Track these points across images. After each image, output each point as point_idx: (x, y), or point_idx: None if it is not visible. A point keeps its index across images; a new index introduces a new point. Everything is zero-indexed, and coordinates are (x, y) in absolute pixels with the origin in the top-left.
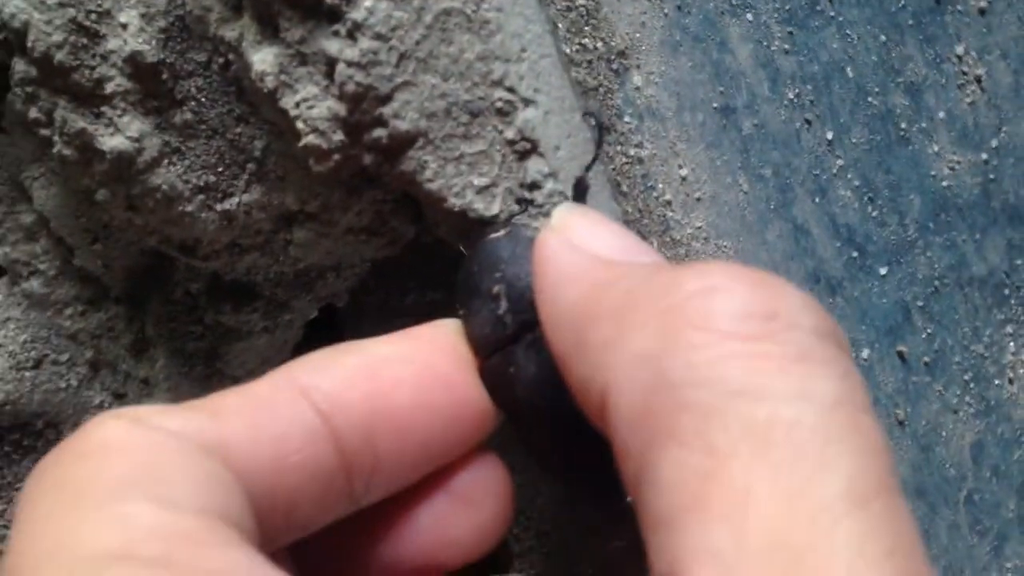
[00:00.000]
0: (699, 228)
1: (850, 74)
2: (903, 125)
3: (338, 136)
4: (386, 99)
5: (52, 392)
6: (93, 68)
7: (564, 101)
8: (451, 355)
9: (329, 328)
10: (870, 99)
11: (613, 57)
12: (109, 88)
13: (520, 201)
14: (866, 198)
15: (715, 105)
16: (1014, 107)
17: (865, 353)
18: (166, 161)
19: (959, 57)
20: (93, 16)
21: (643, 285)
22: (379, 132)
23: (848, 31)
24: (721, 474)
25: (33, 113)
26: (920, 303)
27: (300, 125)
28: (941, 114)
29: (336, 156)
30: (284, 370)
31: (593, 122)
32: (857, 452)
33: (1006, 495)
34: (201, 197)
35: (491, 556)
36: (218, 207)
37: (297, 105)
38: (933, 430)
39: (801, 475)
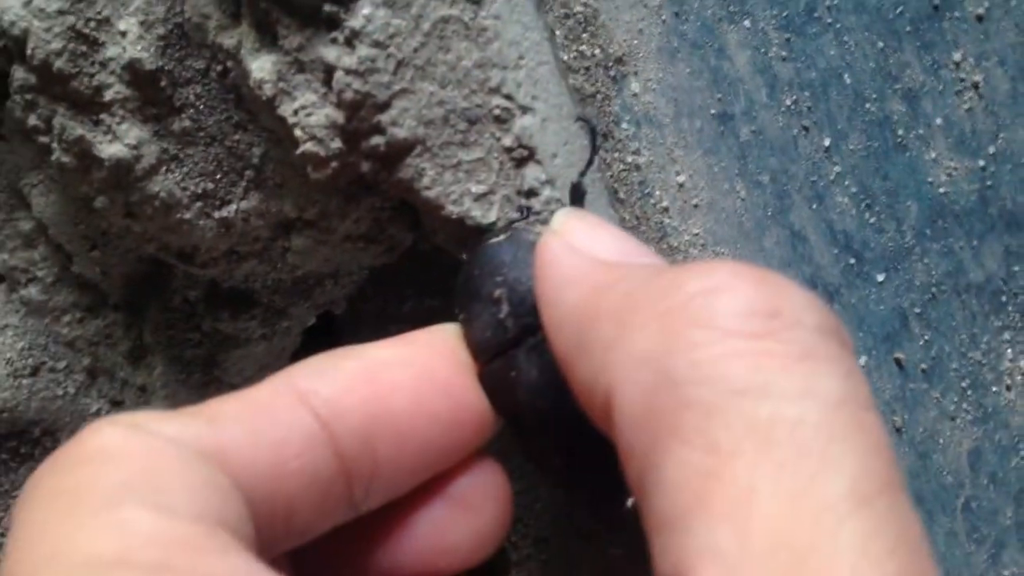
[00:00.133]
0: (697, 235)
1: (847, 81)
2: (900, 132)
3: (336, 143)
4: (384, 106)
5: (49, 399)
6: (92, 75)
7: (562, 108)
8: (450, 360)
9: (327, 335)
10: (867, 106)
11: (611, 64)
12: (108, 95)
13: (520, 209)
14: (863, 205)
15: (713, 112)
16: (1011, 114)
17: (862, 360)
18: (164, 168)
19: (956, 64)
20: (92, 24)
21: (644, 286)
22: (377, 139)
23: (845, 38)
24: (724, 473)
25: (32, 120)
26: (917, 310)
27: (298, 132)
28: (938, 121)
29: (334, 163)
30: (283, 375)
31: (588, 128)
32: (861, 450)
33: (1004, 502)
34: (199, 204)
35: (489, 562)
36: (216, 214)
37: (295, 112)
38: (930, 437)
39: (805, 473)
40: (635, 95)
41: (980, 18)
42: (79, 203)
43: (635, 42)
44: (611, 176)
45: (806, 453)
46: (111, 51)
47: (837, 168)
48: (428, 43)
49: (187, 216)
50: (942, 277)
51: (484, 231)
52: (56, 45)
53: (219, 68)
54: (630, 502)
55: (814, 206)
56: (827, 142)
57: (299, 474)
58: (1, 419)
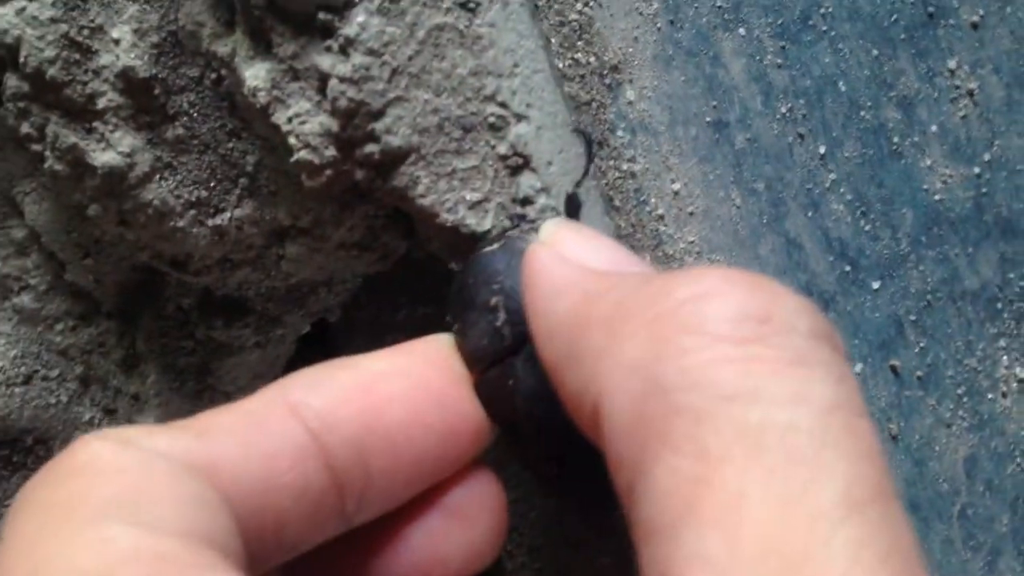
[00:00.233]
0: (692, 242)
1: (842, 88)
2: (895, 139)
3: (330, 151)
4: (378, 114)
5: (42, 408)
6: (85, 83)
7: (557, 116)
8: (445, 370)
9: (321, 343)
10: (862, 113)
11: (606, 72)
12: (101, 103)
13: (512, 217)
14: (858, 212)
15: (708, 119)
16: (1007, 121)
17: (858, 367)
18: (158, 176)
19: (951, 71)
20: (85, 31)
21: (634, 293)
22: (371, 147)
23: (840, 45)
24: (714, 479)
25: (25, 128)
26: (913, 317)
27: (292, 140)
28: (934, 128)
29: (328, 171)
30: (275, 387)
31: (583, 138)
32: (854, 456)
33: (1000, 510)
34: (193, 212)
35: (485, 573)
36: (210, 222)
37: (289, 120)
38: (926, 444)
39: (796, 480)
40: (630, 103)
41: (975, 25)
42: (72, 211)
43: (630, 50)
44: (606, 184)
45: (797, 459)
46: (104, 59)
47: (832, 175)
48: (423, 51)
49: (181, 224)
50: (937, 284)
51: (479, 239)
52: (49, 53)
53: (213, 76)
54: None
55: (809, 213)
56: (822, 149)
57: (290, 487)
58: None
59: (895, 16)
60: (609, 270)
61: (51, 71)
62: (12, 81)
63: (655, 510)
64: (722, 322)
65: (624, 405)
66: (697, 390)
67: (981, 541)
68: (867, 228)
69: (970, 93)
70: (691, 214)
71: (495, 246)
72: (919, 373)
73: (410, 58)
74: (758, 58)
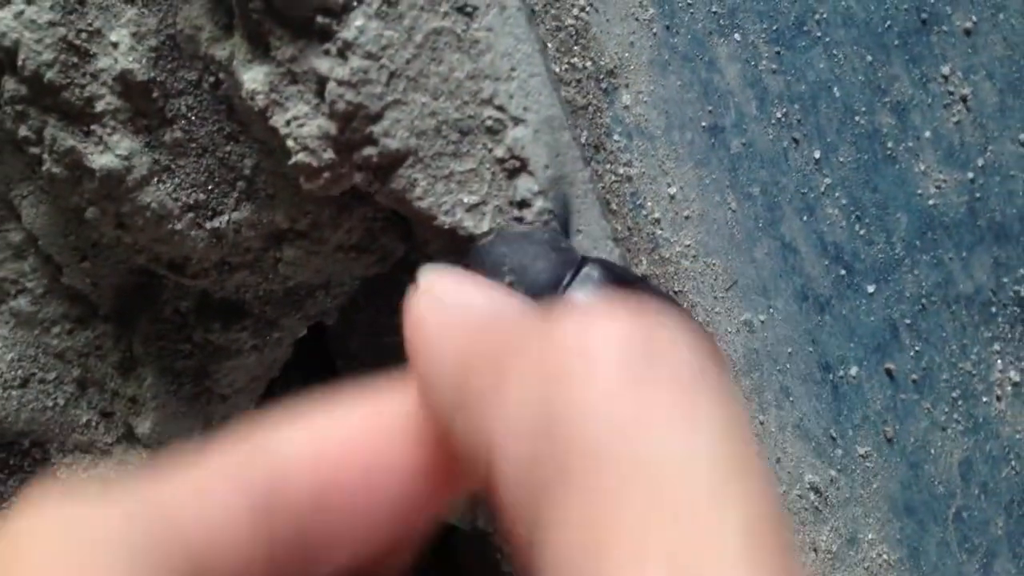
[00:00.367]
0: (688, 246)
1: (837, 94)
2: (890, 144)
3: (328, 154)
4: (376, 117)
5: (39, 411)
6: (83, 87)
7: (553, 120)
8: (406, 435)
9: (318, 346)
10: (857, 118)
11: (602, 76)
12: (99, 106)
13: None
14: (853, 216)
15: (704, 124)
16: (1000, 126)
17: (853, 371)
18: (156, 179)
19: (945, 77)
20: (84, 35)
21: (520, 332)
22: (369, 150)
23: (835, 51)
24: (613, 517)
25: (23, 131)
26: (908, 321)
27: (290, 143)
28: (927, 133)
29: (326, 174)
30: (225, 454)
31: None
32: (752, 486)
33: (995, 512)
34: (191, 215)
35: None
36: (208, 225)
37: (287, 123)
38: (922, 447)
39: (696, 513)
40: (626, 107)
41: (968, 32)
42: (70, 214)
43: (626, 55)
44: (603, 187)
45: (695, 491)
46: (103, 62)
47: (827, 180)
48: (420, 55)
49: (178, 227)
50: (932, 288)
51: (476, 241)
52: (47, 56)
53: (211, 79)
54: None
55: (804, 218)
56: (817, 154)
57: (228, 568)
58: None
59: (889, 22)
60: (492, 310)
61: (49, 74)
62: (10, 84)
63: (557, 556)
64: (610, 354)
65: (517, 448)
66: (590, 425)
67: (976, 544)
68: (862, 232)
69: (963, 99)
70: (687, 218)
71: (491, 236)
72: (914, 376)
73: (408, 62)
74: (753, 63)
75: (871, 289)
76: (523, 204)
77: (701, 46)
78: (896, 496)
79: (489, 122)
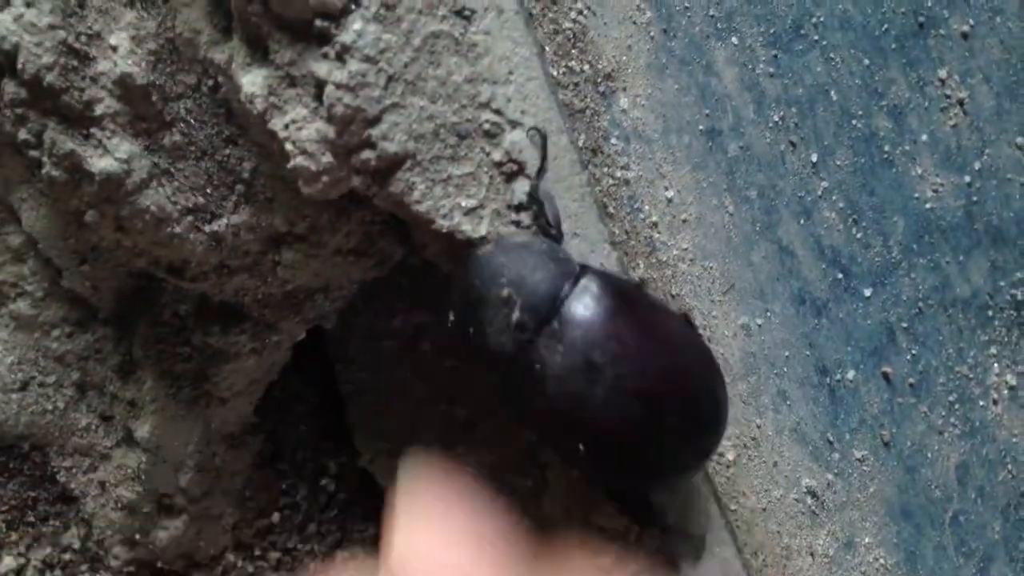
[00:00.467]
0: (685, 250)
1: (834, 97)
2: (887, 148)
3: (327, 158)
4: (374, 121)
5: (38, 414)
6: (83, 90)
7: (551, 123)
8: None
9: (317, 350)
10: (854, 122)
11: (600, 80)
12: (99, 110)
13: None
14: (850, 220)
15: (701, 127)
16: (997, 130)
17: (850, 374)
18: (155, 182)
19: (942, 80)
20: (83, 38)
21: None
22: (368, 154)
23: (832, 55)
24: None
25: (22, 134)
26: (904, 324)
27: (289, 147)
28: (924, 137)
29: (325, 177)
30: None
31: (539, 136)
32: None
33: (991, 516)
34: (190, 218)
35: None
36: (207, 228)
37: (286, 127)
38: (918, 451)
39: None
40: (624, 111)
41: (965, 35)
42: (69, 217)
43: (624, 58)
44: (600, 191)
45: None
46: (102, 65)
47: (824, 183)
48: (419, 58)
49: (177, 230)
50: (929, 292)
51: (474, 245)
52: (47, 59)
53: (210, 83)
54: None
55: (802, 221)
56: (814, 158)
57: None
58: None
59: (886, 26)
60: None
61: (49, 77)
62: (10, 87)
63: None
64: None
65: None
66: None
67: (973, 548)
68: (859, 236)
69: (960, 102)
70: (684, 221)
71: (488, 246)
72: (911, 380)
73: (406, 65)
74: (751, 67)
75: (868, 293)
76: (521, 207)
77: (698, 50)
78: (893, 500)
79: (487, 125)
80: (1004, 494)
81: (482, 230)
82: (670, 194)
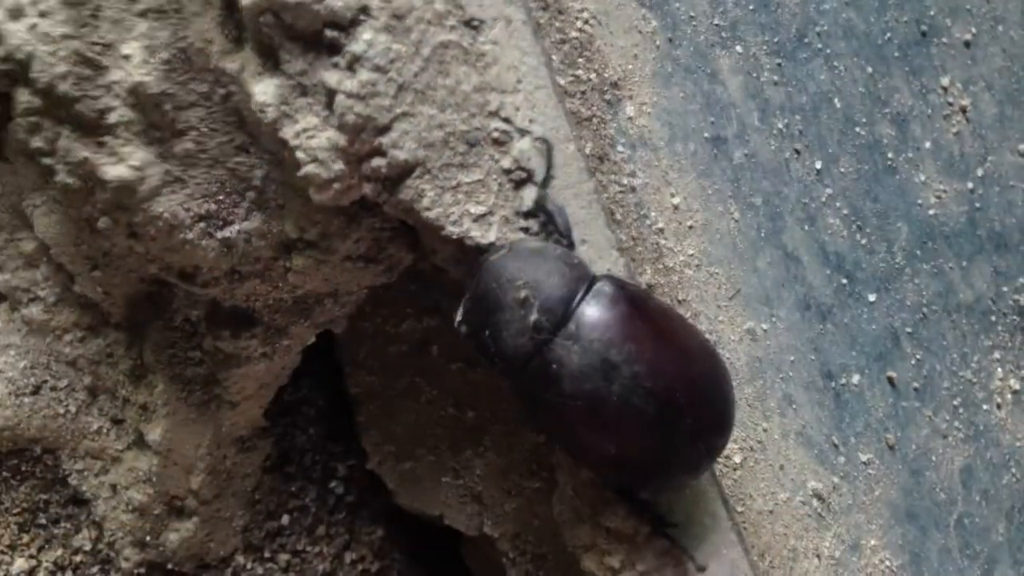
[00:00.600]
0: (691, 256)
1: (838, 105)
2: (890, 155)
3: (338, 166)
4: (385, 129)
5: (51, 418)
6: (96, 99)
7: (559, 131)
8: None
9: (327, 354)
10: (857, 129)
11: (606, 88)
12: (112, 118)
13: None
14: (854, 226)
15: (706, 135)
16: (999, 137)
17: (856, 379)
18: (167, 190)
19: (945, 88)
20: (97, 48)
21: None
22: (378, 162)
23: (835, 63)
24: None
25: (36, 142)
26: (909, 329)
27: (300, 155)
28: (927, 144)
29: (336, 185)
30: None
31: (544, 144)
32: None
33: (995, 519)
34: (202, 225)
35: None
36: (218, 235)
37: (297, 135)
38: (923, 454)
39: None
40: (630, 119)
41: (968, 44)
42: (81, 224)
43: (630, 67)
44: (607, 198)
45: None
46: (115, 75)
47: (828, 190)
48: (428, 67)
49: (189, 236)
50: (932, 297)
51: (483, 251)
52: (61, 69)
53: (222, 92)
54: None
55: (806, 227)
56: (818, 165)
57: None
58: (2, 438)
59: (889, 34)
60: None
61: (62, 86)
62: (24, 96)
63: None
64: None
65: None
66: None
67: (978, 550)
68: (863, 242)
69: (963, 110)
70: (690, 228)
71: (504, 251)
72: (915, 384)
73: (416, 74)
74: (755, 75)
75: (872, 298)
76: (529, 214)
77: (703, 58)
78: (898, 503)
79: (496, 134)
80: (1008, 497)
81: (491, 236)
82: (676, 201)
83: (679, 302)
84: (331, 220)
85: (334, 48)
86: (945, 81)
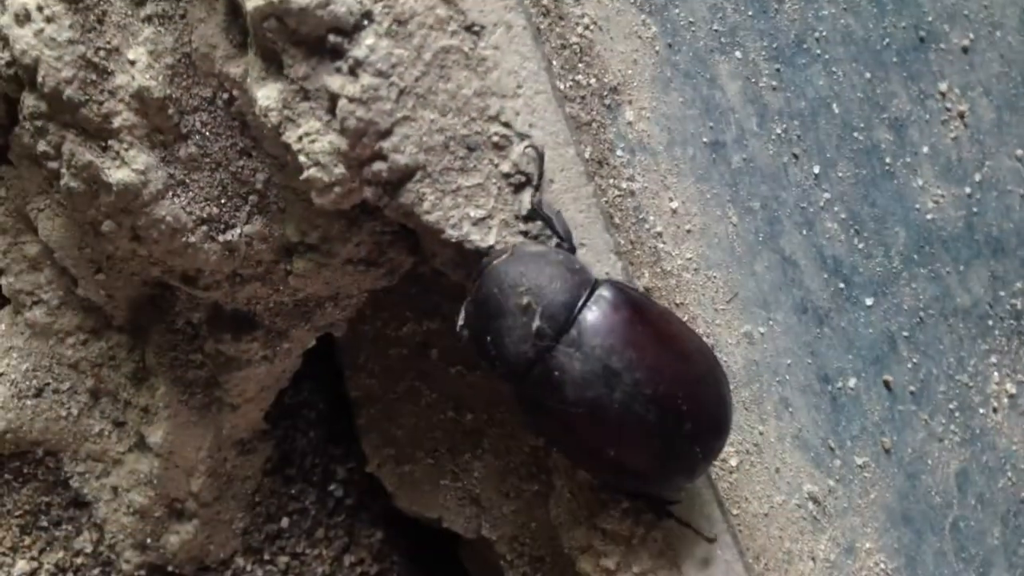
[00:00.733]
0: (689, 259)
1: (836, 110)
2: (888, 160)
3: (339, 169)
4: (386, 133)
5: (53, 420)
6: (101, 103)
7: (558, 136)
8: None
9: (327, 357)
10: (855, 134)
11: (606, 93)
12: (116, 122)
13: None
14: (852, 230)
15: (705, 140)
16: (997, 142)
17: (852, 382)
18: (171, 193)
19: (942, 94)
20: (102, 53)
21: None
22: (379, 165)
23: (834, 68)
24: None
25: (41, 146)
26: (905, 333)
27: (302, 159)
28: (925, 149)
29: (337, 189)
30: None
31: (536, 152)
32: None
33: (991, 523)
34: (204, 228)
35: None
36: (220, 238)
37: (300, 139)
38: (919, 458)
39: None
40: (629, 123)
41: (965, 49)
42: (86, 227)
43: (629, 72)
44: (606, 202)
45: None
46: (120, 79)
47: (826, 195)
48: (429, 72)
49: (192, 240)
50: (929, 301)
51: (483, 254)
52: (66, 73)
53: (225, 96)
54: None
55: (804, 232)
56: (816, 170)
57: None
58: (5, 440)
59: (887, 40)
60: None
61: (68, 91)
62: (30, 100)
63: None
64: None
65: None
66: None
67: (973, 553)
68: (860, 246)
69: (961, 115)
70: (689, 231)
71: (505, 256)
72: (912, 388)
73: (417, 79)
74: (754, 80)
75: (869, 302)
76: (529, 218)
77: (702, 64)
78: (894, 506)
79: (495, 138)
80: (1004, 501)
81: (490, 240)
82: (675, 205)
83: (677, 305)
84: (332, 224)
85: (337, 53)
86: (943, 86)
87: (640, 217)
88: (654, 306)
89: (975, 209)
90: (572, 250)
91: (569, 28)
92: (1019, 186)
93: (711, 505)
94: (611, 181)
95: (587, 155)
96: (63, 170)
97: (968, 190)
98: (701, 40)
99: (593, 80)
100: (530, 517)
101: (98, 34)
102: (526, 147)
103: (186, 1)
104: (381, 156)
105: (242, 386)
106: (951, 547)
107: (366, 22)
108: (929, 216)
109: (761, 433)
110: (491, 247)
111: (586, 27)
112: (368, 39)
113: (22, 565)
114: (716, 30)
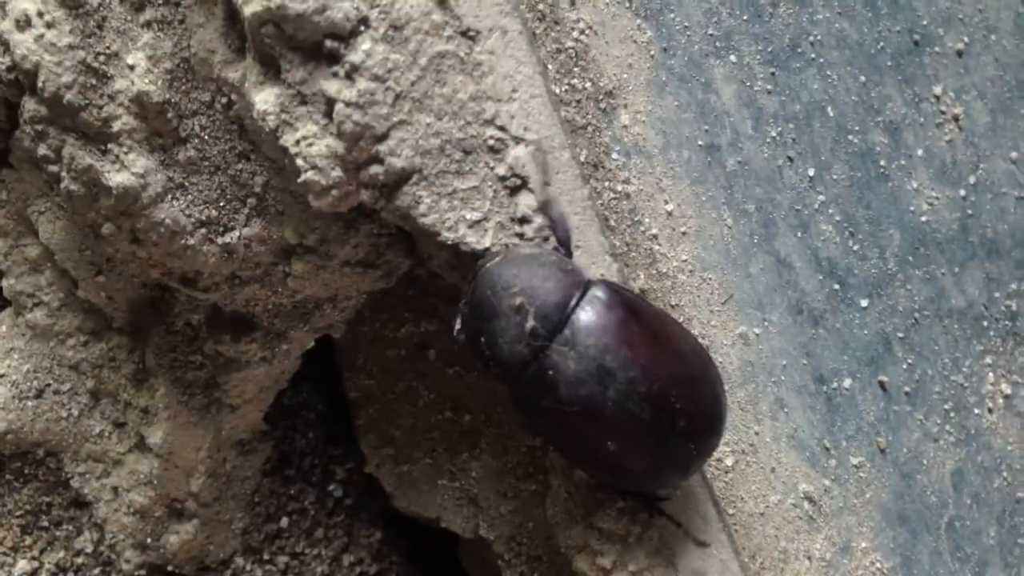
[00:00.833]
0: (685, 261)
1: (831, 113)
2: (882, 162)
3: (336, 172)
4: (383, 137)
5: (53, 421)
6: (101, 107)
7: (553, 139)
8: None
9: (326, 359)
10: (850, 137)
11: (601, 97)
12: (116, 126)
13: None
14: (847, 232)
15: (700, 143)
16: (991, 145)
17: (847, 383)
18: (170, 196)
19: (937, 97)
20: (102, 58)
21: None
22: (376, 169)
23: (828, 72)
24: None
25: (42, 150)
26: (900, 334)
27: (300, 162)
28: (920, 152)
29: (334, 192)
30: None
31: (539, 154)
32: None
33: (987, 522)
34: (203, 231)
35: None
36: (219, 240)
37: (297, 143)
38: (914, 458)
39: None
40: (625, 127)
41: (960, 53)
42: (86, 230)
43: (625, 76)
44: (602, 204)
45: None
46: (120, 84)
47: (821, 197)
48: (425, 77)
49: (191, 242)
50: (924, 303)
51: (479, 257)
52: (67, 78)
53: (224, 100)
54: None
55: (799, 234)
56: (811, 172)
57: None
58: (6, 441)
59: (882, 44)
60: None
61: (68, 95)
62: (30, 105)
63: None
64: None
65: None
66: None
67: (969, 553)
68: (855, 248)
69: (955, 118)
70: (684, 234)
71: (498, 258)
72: (907, 389)
73: (413, 84)
74: (749, 84)
75: (864, 303)
76: (524, 220)
77: (697, 67)
78: (889, 506)
79: (491, 141)
80: (999, 500)
81: (486, 242)
82: (670, 207)
83: (672, 307)
84: (330, 226)
85: (334, 58)
86: (938, 90)
87: (636, 220)
88: (647, 306)
89: (970, 211)
90: (569, 254)
91: (564, 32)
92: (1013, 188)
93: (707, 504)
94: (607, 184)
95: (583, 158)
96: (63, 173)
97: (963, 192)
98: (696, 44)
99: (588, 84)
100: (527, 516)
101: (98, 39)
102: (529, 146)
103: (185, 6)
104: (378, 159)
105: (241, 387)
106: (947, 547)
107: (362, 27)
108: (924, 218)
109: (757, 433)
110: (487, 249)
111: (581, 32)
112: (364, 44)
113: (23, 565)
114: (711, 34)
